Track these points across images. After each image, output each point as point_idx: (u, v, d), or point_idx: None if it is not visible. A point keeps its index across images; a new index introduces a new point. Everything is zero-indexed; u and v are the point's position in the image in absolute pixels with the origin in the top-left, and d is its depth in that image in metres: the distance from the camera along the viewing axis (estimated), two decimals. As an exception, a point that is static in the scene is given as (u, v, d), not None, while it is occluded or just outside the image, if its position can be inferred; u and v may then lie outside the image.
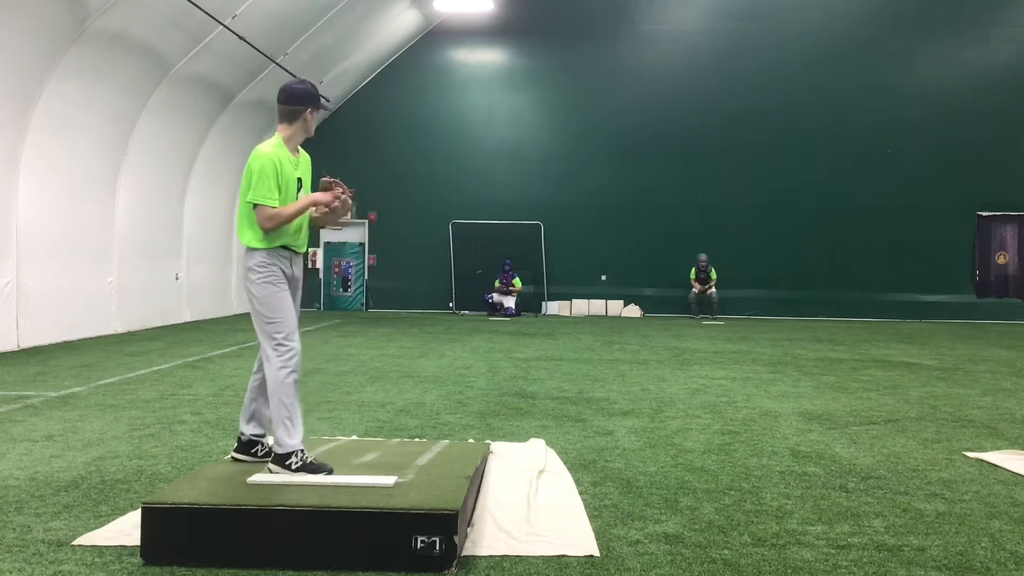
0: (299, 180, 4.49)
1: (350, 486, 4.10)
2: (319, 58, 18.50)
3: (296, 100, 4.49)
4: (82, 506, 4.57)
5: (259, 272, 4.36)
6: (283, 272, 4.42)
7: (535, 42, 21.70)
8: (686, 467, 5.57)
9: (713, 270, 20.40)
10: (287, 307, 4.38)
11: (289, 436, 4.28)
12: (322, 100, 4.57)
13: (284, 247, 4.43)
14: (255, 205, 4.31)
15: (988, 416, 7.64)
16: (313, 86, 4.63)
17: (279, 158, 4.38)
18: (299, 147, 4.58)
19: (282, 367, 4.30)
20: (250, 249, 4.41)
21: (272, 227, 4.32)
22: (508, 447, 5.99)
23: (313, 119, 4.54)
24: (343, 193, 4.52)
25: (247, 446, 4.65)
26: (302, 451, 4.30)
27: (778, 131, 20.97)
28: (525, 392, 8.70)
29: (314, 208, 4.49)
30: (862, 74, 20.87)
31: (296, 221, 4.44)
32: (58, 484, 5.00)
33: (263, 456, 4.58)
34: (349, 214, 4.52)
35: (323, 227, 4.69)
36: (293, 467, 4.25)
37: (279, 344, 4.32)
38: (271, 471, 4.29)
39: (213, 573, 3.64)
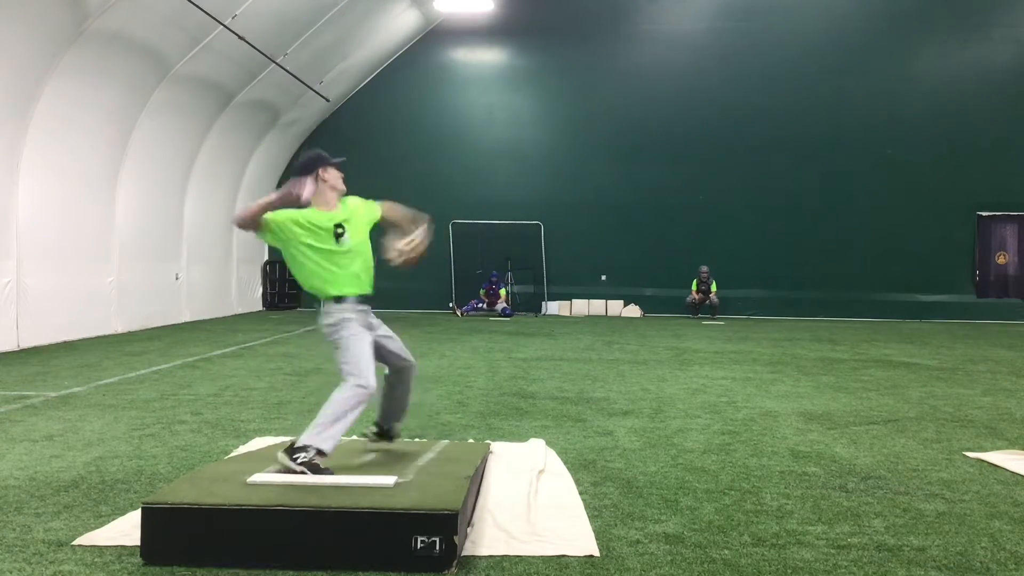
0: (339, 226, 4.71)
1: (350, 486, 4.10)
2: (319, 58, 18.51)
3: (306, 170, 4.78)
4: (82, 506, 4.57)
5: (326, 324, 4.71)
6: (355, 319, 4.70)
7: (535, 42, 21.69)
8: (686, 467, 5.57)
9: (714, 283, 20.36)
10: (359, 346, 4.64)
11: (318, 437, 4.37)
12: (332, 160, 4.84)
13: (335, 297, 4.71)
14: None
15: (988, 416, 7.64)
16: (315, 151, 4.93)
17: (301, 212, 4.69)
18: (341, 199, 4.83)
19: (351, 390, 4.51)
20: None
21: (240, 216, 4.70)
22: (508, 447, 5.99)
23: (331, 174, 4.77)
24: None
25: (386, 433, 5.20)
26: (318, 452, 4.36)
27: (778, 131, 20.96)
28: (525, 392, 8.70)
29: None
30: (862, 74, 20.87)
31: (335, 268, 4.71)
32: (58, 484, 5.00)
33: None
34: (419, 239, 5.03)
35: (406, 265, 5.07)
36: (299, 460, 4.29)
37: (354, 383, 4.56)
38: (278, 459, 4.36)
39: (213, 573, 3.64)
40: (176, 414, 7.26)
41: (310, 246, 4.64)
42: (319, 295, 4.73)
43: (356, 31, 18.95)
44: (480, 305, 20.50)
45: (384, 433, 5.21)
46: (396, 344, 5.00)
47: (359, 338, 4.64)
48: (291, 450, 4.36)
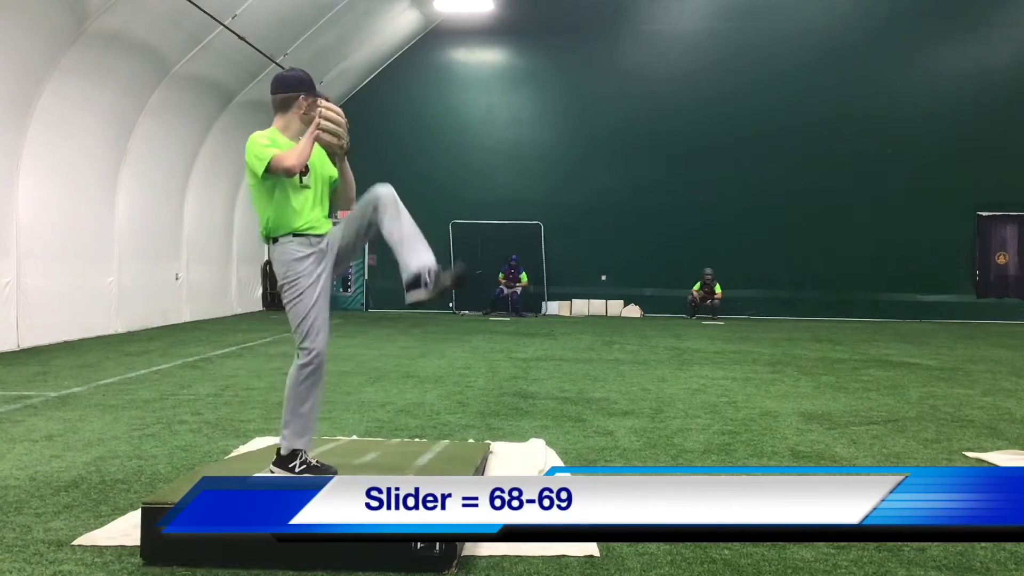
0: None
1: (350, 486, 4.09)
2: (319, 58, 18.50)
3: (287, 87, 4.36)
4: (82, 506, 4.57)
5: (284, 264, 4.22)
6: (314, 257, 4.24)
7: (535, 42, 21.70)
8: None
9: (718, 285, 20.32)
10: (312, 307, 4.22)
11: (296, 437, 4.23)
12: (319, 91, 4.43)
13: (303, 233, 4.23)
14: (266, 172, 4.12)
15: (988, 416, 7.64)
16: (304, 72, 4.48)
17: (273, 138, 4.27)
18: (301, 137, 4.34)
19: (301, 369, 4.22)
20: (272, 240, 4.27)
21: (294, 163, 4.07)
22: (508, 447, 5.98)
23: (308, 104, 4.31)
24: (321, 108, 4.24)
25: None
26: (305, 453, 4.26)
27: (778, 131, 20.96)
28: (525, 392, 8.69)
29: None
30: (862, 74, 20.87)
31: (310, 199, 4.26)
32: (58, 484, 4.99)
33: None
34: (345, 128, 4.26)
35: (338, 155, 4.37)
36: (296, 470, 4.20)
37: (300, 348, 4.24)
38: (272, 472, 4.27)
39: (213, 573, 3.64)
40: (176, 414, 7.26)
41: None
42: (273, 231, 4.25)
43: (356, 31, 18.95)
44: (504, 294, 20.49)
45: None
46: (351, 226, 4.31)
47: (308, 292, 4.23)
48: (281, 461, 4.24)
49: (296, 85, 4.38)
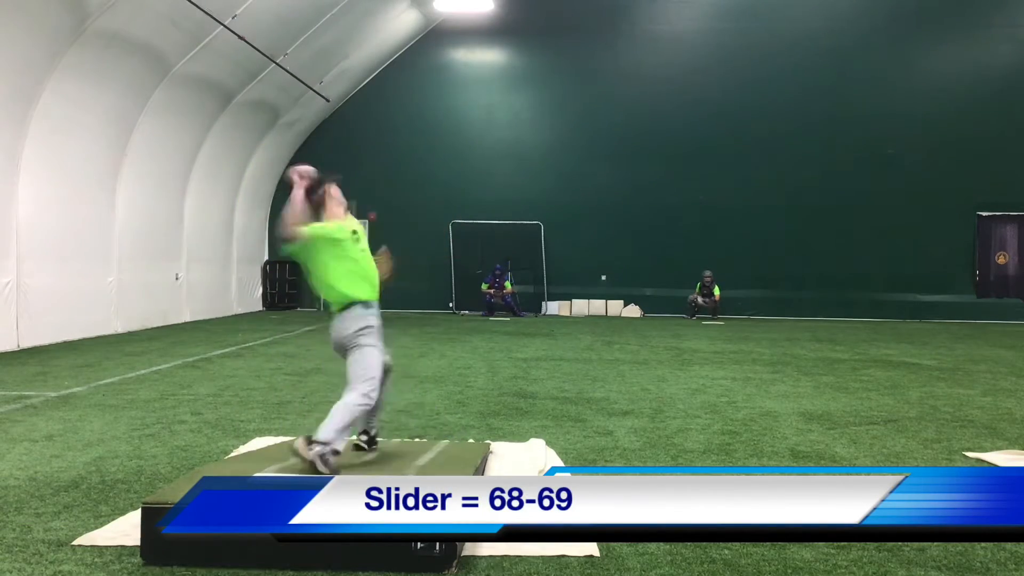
0: (354, 231, 5.05)
1: (350, 486, 4.09)
2: (319, 58, 18.50)
3: (313, 191, 5.05)
4: (82, 506, 4.57)
5: (354, 328, 4.89)
6: (374, 324, 4.98)
7: (535, 42, 21.69)
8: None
9: (717, 287, 20.31)
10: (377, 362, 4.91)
11: (336, 435, 4.53)
12: (329, 179, 5.12)
13: (362, 302, 4.95)
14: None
15: (988, 416, 7.64)
16: (315, 172, 5.16)
17: (330, 224, 4.99)
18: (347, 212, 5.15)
19: (361, 397, 4.71)
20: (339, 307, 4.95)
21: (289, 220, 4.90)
22: (508, 447, 5.99)
23: (335, 190, 5.06)
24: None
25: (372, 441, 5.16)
26: (334, 451, 4.49)
27: (778, 131, 20.95)
28: (525, 392, 8.69)
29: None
30: (862, 74, 20.86)
31: (361, 273, 5.01)
32: (58, 484, 5.00)
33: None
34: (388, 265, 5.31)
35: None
36: (316, 448, 4.43)
37: (367, 390, 4.76)
38: (294, 445, 4.53)
39: (213, 573, 3.64)
40: (176, 414, 7.26)
41: (341, 253, 4.90)
42: (343, 300, 4.90)
43: (356, 31, 18.94)
44: (492, 301, 20.43)
45: (373, 440, 5.15)
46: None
47: (377, 350, 4.91)
48: (310, 440, 4.51)
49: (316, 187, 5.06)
